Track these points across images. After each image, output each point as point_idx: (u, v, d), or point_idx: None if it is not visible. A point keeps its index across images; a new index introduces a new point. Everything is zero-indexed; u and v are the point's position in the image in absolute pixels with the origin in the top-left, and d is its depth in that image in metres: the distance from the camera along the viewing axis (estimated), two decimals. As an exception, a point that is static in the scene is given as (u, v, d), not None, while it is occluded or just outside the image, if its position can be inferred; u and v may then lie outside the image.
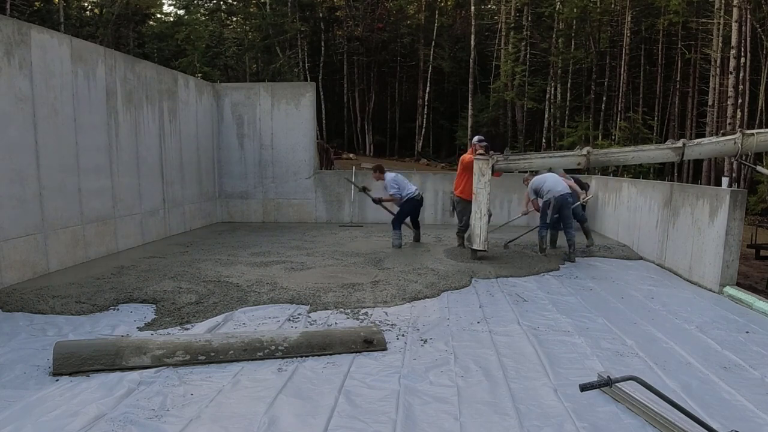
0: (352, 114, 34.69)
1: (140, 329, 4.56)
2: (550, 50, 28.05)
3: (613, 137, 23.90)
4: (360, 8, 33.70)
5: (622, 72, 25.78)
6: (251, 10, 32.58)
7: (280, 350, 3.98)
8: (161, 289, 5.66)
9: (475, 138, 8.18)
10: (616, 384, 2.69)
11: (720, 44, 21.74)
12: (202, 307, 5.16)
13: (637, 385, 2.58)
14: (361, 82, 34.70)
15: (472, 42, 29.57)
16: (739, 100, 19.60)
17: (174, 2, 35.93)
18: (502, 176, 9.21)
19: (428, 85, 32.69)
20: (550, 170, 8.17)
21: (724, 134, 6.49)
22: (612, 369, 3.80)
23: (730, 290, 6.01)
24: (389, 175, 8.79)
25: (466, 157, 8.03)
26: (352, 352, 4.09)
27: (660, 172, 23.26)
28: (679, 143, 6.55)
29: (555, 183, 7.83)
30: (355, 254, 7.93)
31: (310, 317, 4.99)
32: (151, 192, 8.93)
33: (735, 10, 19.35)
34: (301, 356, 3.99)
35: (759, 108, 21.57)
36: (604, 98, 26.98)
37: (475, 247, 7.34)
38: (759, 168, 7.89)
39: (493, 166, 7.17)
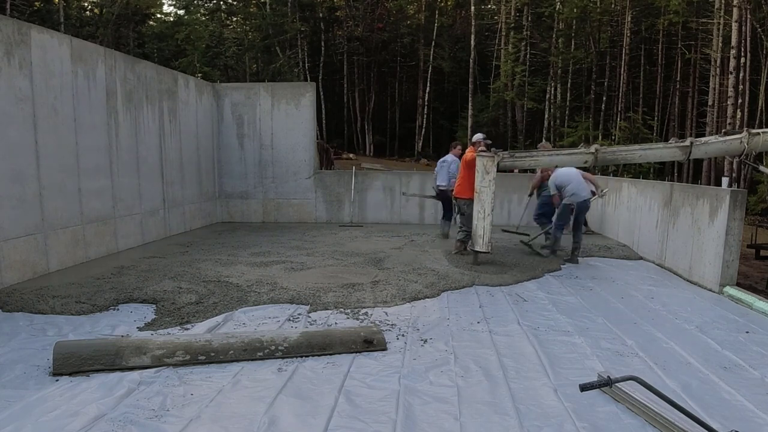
0: (352, 114, 34.70)
1: (140, 329, 4.57)
2: (550, 50, 28.06)
3: (613, 137, 23.90)
4: (360, 8, 33.70)
5: (622, 72, 25.79)
6: (251, 10, 32.58)
7: (280, 350, 3.98)
8: (161, 289, 5.66)
9: (478, 135, 7.89)
10: (616, 384, 2.68)
11: (720, 44, 21.74)
12: (202, 307, 5.16)
13: (637, 385, 2.58)
14: (361, 82, 34.71)
15: (472, 42, 29.57)
16: (739, 100, 19.61)
17: (174, 2, 35.96)
18: (503, 176, 9.14)
19: (428, 85, 32.70)
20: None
21: (726, 133, 6.48)
22: (612, 369, 3.80)
23: (730, 290, 6.01)
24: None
25: (469, 155, 7.64)
26: (352, 352, 4.09)
27: (660, 172, 23.26)
28: (687, 142, 6.52)
29: (579, 187, 7.57)
30: (355, 254, 7.93)
31: (310, 317, 4.99)
32: (151, 192, 8.93)
33: (735, 10, 19.35)
34: (301, 356, 3.99)
35: (759, 108, 21.57)
36: (604, 98, 26.98)
37: (477, 248, 6.98)
38: (761, 167, 7.89)
39: (498, 164, 6.82)
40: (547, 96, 28.58)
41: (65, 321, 4.72)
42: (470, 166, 7.45)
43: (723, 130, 7.01)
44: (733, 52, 19.46)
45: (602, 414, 3.19)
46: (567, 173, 7.77)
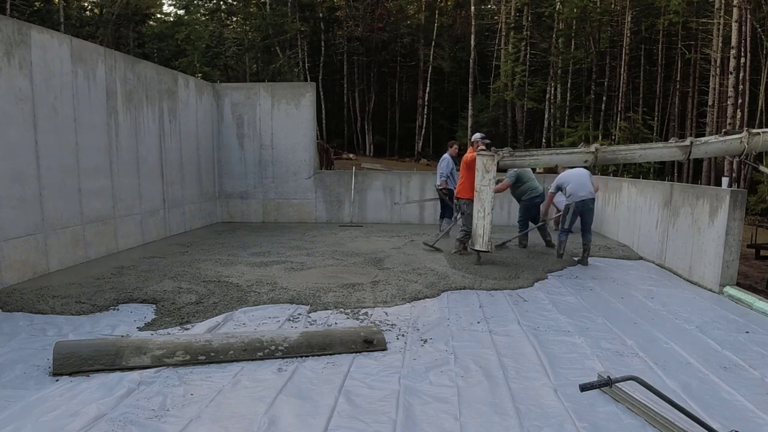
0: (352, 114, 34.70)
1: (140, 329, 4.56)
2: (550, 50, 28.06)
3: (613, 137, 23.91)
4: (360, 8, 33.70)
5: (622, 72, 25.79)
6: (251, 10, 32.57)
7: (280, 350, 3.98)
8: (161, 289, 5.66)
9: (478, 135, 7.90)
10: (616, 384, 2.69)
11: (720, 44, 21.74)
12: (202, 307, 5.16)
13: (637, 385, 2.58)
14: (361, 82, 34.71)
15: (472, 42, 29.57)
16: (739, 100, 19.61)
17: (174, 2, 35.91)
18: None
19: (428, 85, 32.69)
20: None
21: (726, 133, 6.47)
22: (612, 369, 3.80)
23: (730, 290, 6.01)
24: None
25: (468, 156, 7.64)
26: (352, 352, 4.09)
27: (660, 172, 23.27)
28: (687, 142, 6.52)
29: (579, 186, 7.47)
30: (355, 254, 7.93)
31: (310, 317, 4.99)
32: (151, 192, 8.93)
33: (735, 10, 19.35)
34: (301, 356, 3.99)
35: (759, 108, 21.58)
36: (604, 98, 26.99)
37: (477, 248, 6.97)
38: (761, 167, 7.89)
39: (498, 163, 6.80)
40: (547, 96, 28.58)
41: (65, 321, 4.72)
42: (470, 166, 7.44)
43: (723, 130, 7.00)
44: (733, 52, 19.46)
45: (602, 414, 3.19)
46: (568, 173, 7.76)
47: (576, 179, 7.59)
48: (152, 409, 3.17)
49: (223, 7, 34.63)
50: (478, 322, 4.91)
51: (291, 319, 4.92)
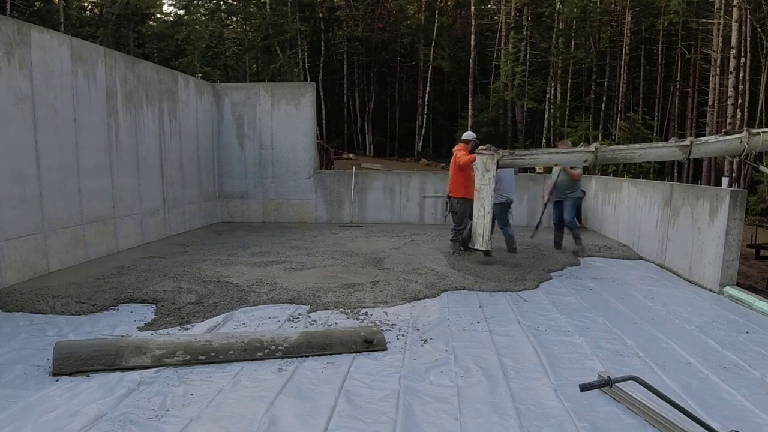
0: (352, 114, 34.69)
1: (140, 329, 4.57)
2: (550, 50, 28.06)
3: (613, 137, 23.90)
4: (360, 8, 33.70)
5: (622, 72, 25.78)
6: (251, 10, 32.57)
7: (280, 350, 3.98)
8: (161, 289, 5.66)
9: (469, 134, 7.90)
10: (616, 384, 2.68)
11: (720, 44, 21.75)
12: (202, 307, 5.16)
13: (637, 385, 2.58)
14: (361, 82, 34.71)
15: (472, 42, 29.57)
16: (739, 100, 19.61)
17: (174, 2, 35.90)
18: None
19: (428, 85, 32.69)
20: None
21: (726, 133, 6.47)
22: (612, 369, 3.80)
23: (730, 290, 6.01)
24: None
25: (459, 154, 7.63)
26: (352, 352, 4.08)
27: (660, 172, 23.26)
28: (687, 141, 6.52)
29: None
30: (355, 254, 7.93)
31: (310, 317, 4.99)
32: (151, 192, 8.93)
33: (735, 10, 19.35)
34: (301, 356, 3.99)
35: (759, 108, 21.58)
36: (604, 98, 26.99)
37: (477, 247, 6.97)
38: (761, 167, 7.88)
39: (498, 162, 6.81)
40: (547, 96, 28.58)
41: (65, 321, 4.72)
42: (462, 166, 7.56)
43: (723, 130, 7.00)
44: (733, 52, 19.47)
45: (602, 414, 3.19)
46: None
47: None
48: (152, 409, 3.18)
49: (223, 7, 34.63)
50: (478, 322, 4.92)
51: (291, 319, 4.92)
